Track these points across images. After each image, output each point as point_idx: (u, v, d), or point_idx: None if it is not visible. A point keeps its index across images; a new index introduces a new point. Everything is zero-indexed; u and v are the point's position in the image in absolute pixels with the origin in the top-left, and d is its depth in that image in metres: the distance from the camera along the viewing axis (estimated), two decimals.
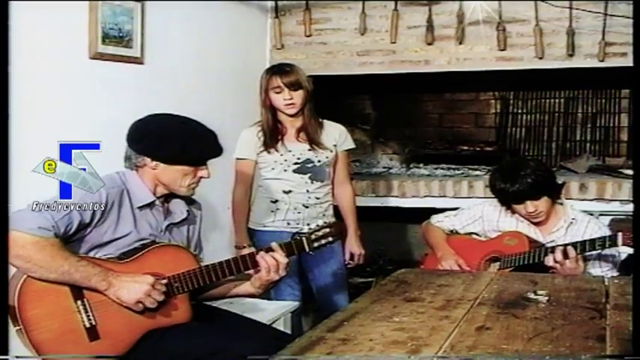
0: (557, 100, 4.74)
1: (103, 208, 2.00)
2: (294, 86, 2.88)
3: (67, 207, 1.93)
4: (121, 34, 2.78)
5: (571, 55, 3.50)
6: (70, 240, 1.98)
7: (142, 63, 2.92)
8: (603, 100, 4.64)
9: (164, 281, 2.01)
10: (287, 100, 2.88)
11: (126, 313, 1.97)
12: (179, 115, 2.18)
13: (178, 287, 2.05)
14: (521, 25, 3.57)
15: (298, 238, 2.20)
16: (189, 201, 2.27)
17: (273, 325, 2.70)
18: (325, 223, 2.23)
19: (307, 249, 2.18)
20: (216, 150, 2.16)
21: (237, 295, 2.30)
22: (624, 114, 4.58)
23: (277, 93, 2.89)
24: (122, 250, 2.05)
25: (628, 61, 3.34)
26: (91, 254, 2.02)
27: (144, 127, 2.13)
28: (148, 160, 2.10)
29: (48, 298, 1.89)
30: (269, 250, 2.13)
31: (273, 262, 2.10)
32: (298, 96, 2.90)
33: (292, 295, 3.03)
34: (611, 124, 4.62)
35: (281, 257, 2.11)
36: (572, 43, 3.48)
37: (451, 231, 2.98)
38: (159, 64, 3.01)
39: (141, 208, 2.11)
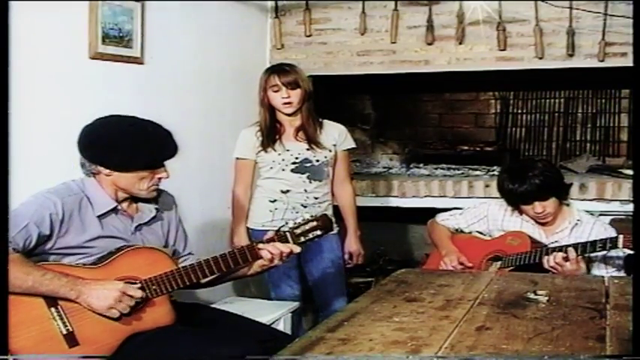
0: (557, 100, 4.73)
1: (61, 218, 1.96)
2: (291, 85, 2.89)
3: (23, 220, 1.90)
4: (121, 34, 2.78)
5: (571, 55, 3.50)
6: (35, 252, 1.95)
7: (142, 63, 2.92)
8: (603, 100, 4.63)
9: (137, 285, 1.98)
10: (284, 99, 2.89)
11: (104, 318, 1.95)
12: (129, 116, 2.11)
13: (156, 290, 2.00)
14: (521, 25, 3.57)
15: (282, 233, 2.13)
16: (157, 196, 2.21)
17: (273, 325, 2.70)
18: (312, 216, 2.17)
19: (291, 242, 2.12)
20: (169, 150, 2.09)
21: (235, 277, 2.27)
22: (624, 114, 4.57)
23: (275, 92, 2.90)
24: (96, 256, 2.02)
25: (628, 61, 3.34)
26: (65, 261, 1.99)
27: (92, 133, 2.06)
28: (101, 167, 2.05)
29: (21, 306, 1.87)
30: (270, 240, 2.11)
31: (277, 251, 2.09)
32: (296, 95, 2.90)
33: (292, 294, 3.03)
34: (611, 124, 4.61)
35: (283, 246, 2.10)
36: (572, 43, 3.48)
37: (456, 230, 2.99)
38: (159, 64, 3.01)
39: (104, 215, 2.06)
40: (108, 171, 2.05)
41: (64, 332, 1.91)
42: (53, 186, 2.06)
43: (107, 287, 1.93)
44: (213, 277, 2.15)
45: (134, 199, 2.15)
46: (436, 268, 2.84)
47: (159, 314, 2.03)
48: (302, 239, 2.13)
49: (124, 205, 2.13)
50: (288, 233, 2.12)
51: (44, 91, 2.48)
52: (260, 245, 2.11)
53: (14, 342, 1.85)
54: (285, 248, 2.10)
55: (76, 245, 2.00)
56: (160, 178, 2.11)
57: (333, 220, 3.02)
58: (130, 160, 2.04)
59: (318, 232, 2.14)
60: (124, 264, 2.01)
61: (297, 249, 2.13)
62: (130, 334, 1.98)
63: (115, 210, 2.10)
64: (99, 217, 2.06)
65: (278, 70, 2.94)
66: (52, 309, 1.91)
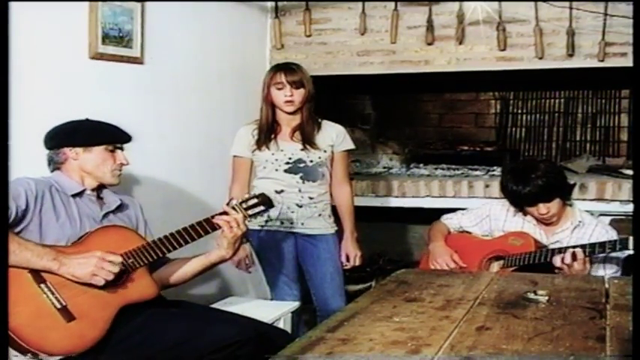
0: (557, 100, 4.74)
1: (35, 194, 2.07)
2: (296, 84, 2.89)
3: None
4: (121, 34, 2.78)
5: (571, 55, 3.49)
6: (14, 231, 2.01)
7: (142, 63, 2.92)
8: (603, 100, 4.64)
9: (114, 256, 2.06)
10: (287, 97, 2.89)
11: (92, 291, 2.02)
12: None
13: (133, 263, 2.11)
14: (521, 25, 3.57)
15: (232, 207, 2.30)
16: (116, 193, 2.36)
17: (273, 325, 2.71)
18: (251, 194, 2.37)
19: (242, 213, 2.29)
20: (125, 134, 2.30)
21: (211, 263, 2.37)
22: (624, 114, 4.58)
23: (279, 89, 2.90)
24: (67, 239, 2.11)
25: (628, 61, 3.34)
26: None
27: (55, 128, 2.26)
28: (67, 150, 2.22)
29: (11, 285, 1.87)
30: (222, 213, 2.27)
31: (230, 218, 2.25)
32: (299, 94, 2.90)
33: (292, 295, 3.03)
34: (611, 124, 4.62)
35: (236, 214, 2.26)
36: (572, 43, 3.47)
37: (459, 229, 2.99)
38: (159, 64, 3.01)
39: (73, 196, 2.19)
40: (75, 153, 2.22)
41: (59, 307, 1.96)
42: None
43: (86, 256, 2.02)
44: (189, 265, 2.34)
45: (99, 192, 2.29)
46: (429, 267, 2.85)
47: (142, 286, 2.13)
48: (249, 212, 2.32)
49: (92, 193, 2.27)
50: (236, 206, 2.30)
51: (44, 91, 2.48)
52: (215, 217, 2.26)
53: (11, 320, 1.85)
54: (238, 216, 2.27)
55: (48, 228, 2.09)
56: (121, 164, 2.28)
57: (332, 220, 3.03)
58: (93, 136, 2.24)
59: (262, 207, 2.35)
60: (97, 242, 2.10)
61: (248, 220, 2.34)
62: (122, 307, 2.05)
63: (82, 194, 2.23)
64: (70, 198, 2.18)
65: (284, 68, 2.95)
66: (42, 285, 1.97)
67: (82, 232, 2.14)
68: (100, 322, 2.00)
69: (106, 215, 2.26)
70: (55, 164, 2.25)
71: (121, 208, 2.33)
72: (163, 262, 2.29)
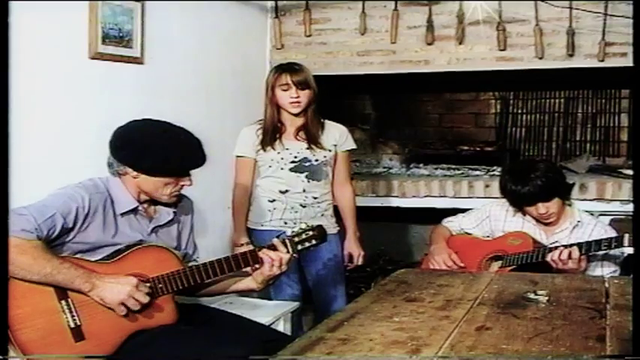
0: (557, 100, 4.74)
1: (87, 212, 2.00)
2: (302, 85, 2.88)
3: (50, 210, 1.93)
4: (121, 34, 2.78)
5: (571, 55, 3.50)
6: (54, 244, 1.96)
7: (142, 63, 2.91)
8: (603, 100, 4.64)
9: (147, 284, 2.01)
10: (293, 99, 2.88)
11: (111, 313, 1.97)
12: (163, 121, 2.16)
13: (162, 288, 2.04)
14: (521, 25, 3.57)
15: (281, 240, 2.20)
16: (178, 200, 2.25)
17: (273, 325, 2.70)
18: (308, 226, 2.25)
19: (290, 251, 2.19)
20: (199, 160, 2.15)
21: (238, 290, 2.32)
22: (624, 114, 4.58)
23: (284, 90, 2.89)
24: (106, 254, 2.05)
25: (628, 61, 3.34)
26: (78, 256, 2.01)
27: (126, 135, 2.12)
28: (129, 169, 2.10)
29: (32, 297, 1.88)
30: (271, 247, 2.17)
31: (276, 257, 2.14)
32: (305, 95, 2.90)
33: (292, 294, 3.03)
34: (611, 124, 4.62)
35: (284, 251, 2.16)
36: (572, 43, 3.48)
37: (460, 232, 2.99)
38: (159, 64, 3.01)
39: (124, 214, 2.11)
40: (135, 173, 2.10)
41: (72, 326, 1.92)
42: (81, 181, 2.10)
43: (121, 282, 1.96)
44: (216, 285, 2.23)
45: (153, 202, 2.20)
46: (429, 268, 2.85)
47: (163, 313, 2.06)
48: (299, 247, 2.21)
49: (144, 205, 2.18)
50: (287, 240, 2.19)
51: (44, 91, 2.48)
52: (262, 251, 2.17)
53: (20, 333, 1.85)
54: (285, 254, 2.16)
55: (93, 242, 2.04)
56: (182, 185, 2.16)
57: (334, 220, 3.04)
58: (159, 166, 2.09)
59: (314, 242, 2.24)
60: (134, 261, 2.04)
61: (295, 256, 2.22)
62: (134, 332, 2.00)
63: (135, 210, 2.14)
64: (119, 215, 2.10)
65: (289, 68, 2.93)
66: (63, 302, 1.92)
67: (124, 246, 2.06)
68: (108, 345, 1.96)
69: (154, 230, 2.18)
70: (114, 170, 2.12)
71: (171, 220, 2.23)
72: (200, 287, 2.20)
